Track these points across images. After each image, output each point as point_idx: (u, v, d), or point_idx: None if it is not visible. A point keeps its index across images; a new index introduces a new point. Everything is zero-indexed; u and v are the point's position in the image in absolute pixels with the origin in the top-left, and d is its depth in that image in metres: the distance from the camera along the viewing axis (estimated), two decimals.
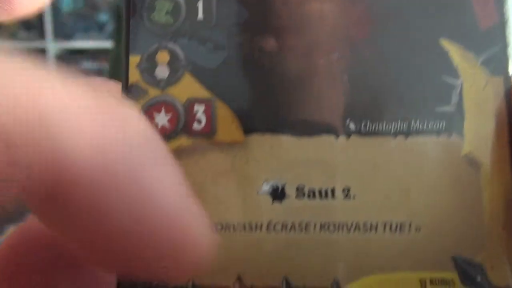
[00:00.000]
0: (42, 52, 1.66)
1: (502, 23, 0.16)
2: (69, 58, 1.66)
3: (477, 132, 0.15)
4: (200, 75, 0.16)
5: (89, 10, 1.66)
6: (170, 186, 0.11)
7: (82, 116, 0.10)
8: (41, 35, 1.65)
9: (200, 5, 0.16)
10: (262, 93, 0.16)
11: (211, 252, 0.11)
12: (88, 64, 1.76)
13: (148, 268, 0.11)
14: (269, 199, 0.16)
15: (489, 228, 0.15)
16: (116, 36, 1.17)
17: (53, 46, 1.66)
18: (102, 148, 0.10)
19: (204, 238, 0.11)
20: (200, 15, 0.16)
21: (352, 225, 0.15)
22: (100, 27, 1.66)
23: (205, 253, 0.11)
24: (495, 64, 0.16)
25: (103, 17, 1.66)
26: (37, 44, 1.65)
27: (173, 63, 0.17)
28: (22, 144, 0.09)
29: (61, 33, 1.66)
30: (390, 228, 0.15)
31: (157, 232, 0.10)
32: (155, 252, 0.10)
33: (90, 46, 1.64)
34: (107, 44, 1.50)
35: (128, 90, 0.16)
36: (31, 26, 1.64)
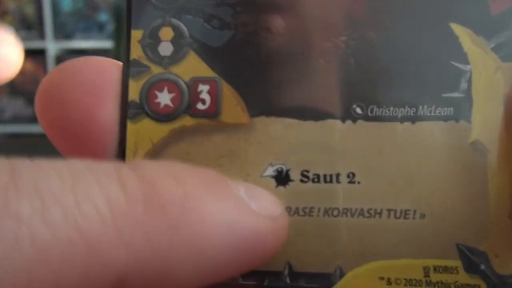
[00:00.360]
0: (42, 52, 1.65)
1: None
2: (69, 58, 1.65)
3: (485, 120, 0.15)
4: (205, 54, 0.16)
5: (89, 10, 1.66)
6: (215, 210, 0.12)
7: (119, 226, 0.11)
8: (41, 35, 1.65)
9: None
10: (268, 75, 0.16)
11: (280, 234, 0.13)
12: None
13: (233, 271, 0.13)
14: (273, 182, 0.16)
15: (494, 216, 0.15)
16: (116, 36, 1.17)
17: (53, 46, 1.65)
18: (149, 235, 0.11)
19: (266, 228, 0.13)
20: None
21: (356, 210, 0.15)
22: (100, 27, 1.66)
23: (271, 239, 0.13)
24: (506, 50, 0.15)
25: (103, 17, 1.66)
26: (37, 44, 1.65)
27: (177, 40, 0.16)
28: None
29: (61, 33, 1.65)
30: (395, 214, 0.15)
31: (229, 247, 0.12)
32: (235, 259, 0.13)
33: (90, 46, 1.63)
34: (107, 44, 1.50)
35: (130, 65, 0.16)
36: (31, 26, 1.64)
